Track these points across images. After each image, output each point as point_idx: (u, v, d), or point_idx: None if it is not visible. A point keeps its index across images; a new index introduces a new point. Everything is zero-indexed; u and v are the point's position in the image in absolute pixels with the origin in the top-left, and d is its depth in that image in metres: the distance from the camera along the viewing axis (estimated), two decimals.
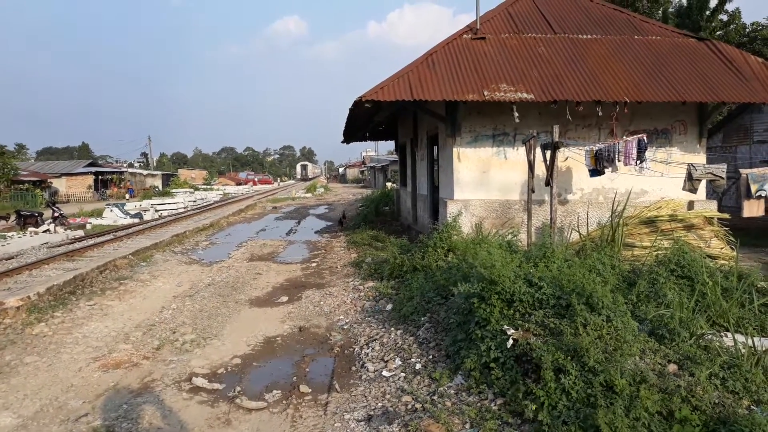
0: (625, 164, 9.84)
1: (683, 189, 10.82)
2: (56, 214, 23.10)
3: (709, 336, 5.43)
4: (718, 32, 24.44)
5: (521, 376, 4.95)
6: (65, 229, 21.54)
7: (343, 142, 21.53)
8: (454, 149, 12.00)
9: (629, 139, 9.86)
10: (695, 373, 4.56)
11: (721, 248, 10.04)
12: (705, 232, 10.49)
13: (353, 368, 6.50)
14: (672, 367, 4.76)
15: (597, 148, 10.20)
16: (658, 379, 4.44)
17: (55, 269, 12.48)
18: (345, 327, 8.13)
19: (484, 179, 12.03)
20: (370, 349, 6.97)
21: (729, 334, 5.51)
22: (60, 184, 52.55)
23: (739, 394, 4.45)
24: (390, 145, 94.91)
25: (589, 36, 13.24)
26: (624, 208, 10.26)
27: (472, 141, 12.05)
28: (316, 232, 21.63)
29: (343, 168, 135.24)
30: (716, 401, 4.25)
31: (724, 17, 25.25)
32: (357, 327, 8.01)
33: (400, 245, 12.03)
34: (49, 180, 50.62)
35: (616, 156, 9.79)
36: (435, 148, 14.88)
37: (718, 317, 6.07)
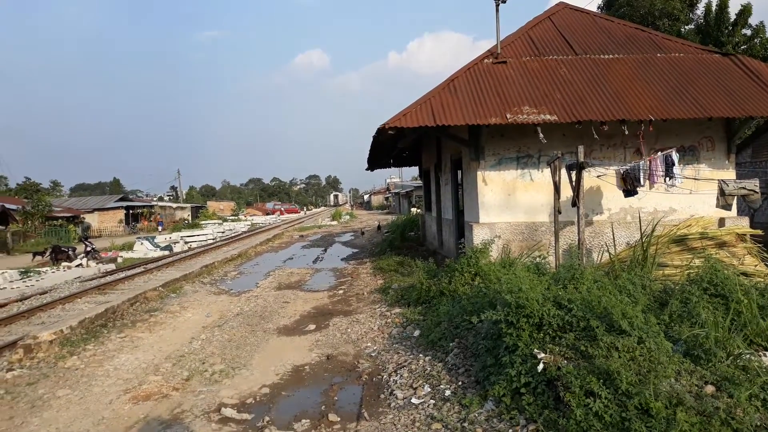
0: (652, 182, 9.71)
1: (717, 206, 10.60)
2: (88, 249, 23.59)
3: (747, 356, 5.25)
4: (742, 47, 24.18)
5: (553, 401, 4.85)
6: (97, 263, 21.96)
7: (367, 169, 21.70)
8: (479, 173, 11.98)
9: (654, 156, 9.75)
10: (734, 395, 4.40)
11: (756, 265, 9.79)
12: (738, 249, 10.25)
13: (382, 396, 6.43)
14: (709, 389, 4.61)
15: (623, 169, 10.09)
16: (695, 401, 4.31)
17: (87, 302, 12.68)
18: (373, 354, 8.08)
19: (509, 202, 11.97)
20: (399, 376, 6.90)
21: None
22: (92, 219, 53.76)
23: None
24: (414, 171, 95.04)
25: (611, 56, 13.21)
26: (654, 228, 10.10)
27: (496, 164, 12.02)
28: (342, 260, 21.67)
29: (368, 195, 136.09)
30: (758, 423, 4.11)
31: (747, 32, 24.99)
32: (385, 354, 7.95)
33: (427, 270, 11.97)
34: (81, 215, 51.78)
35: (642, 175, 9.67)
36: (459, 172, 14.88)
37: (755, 336, 5.89)
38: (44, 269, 20.57)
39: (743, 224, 11.44)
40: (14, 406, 6.61)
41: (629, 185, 10.15)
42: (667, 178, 9.73)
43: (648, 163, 9.65)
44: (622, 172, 10.10)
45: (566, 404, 4.65)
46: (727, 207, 10.53)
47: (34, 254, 25.67)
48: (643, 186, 10.03)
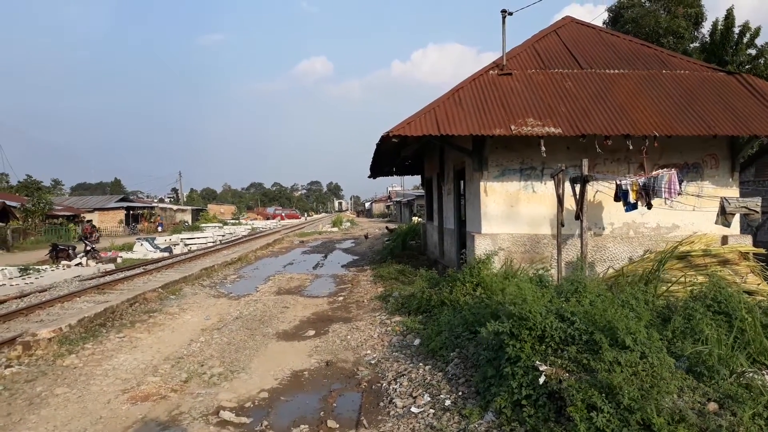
0: (669, 197, 9.68)
1: (716, 223, 10.59)
2: (88, 248, 23.56)
3: (751, 374, 5.23)
4: (747, 66, 24.24)
5: (554, 414, 4.83)
6: (97, 263, 21.92)
7: (369, 177, 21.71)
8: (481, 183, 11.98)
9: (671, 171, 9.72)
10: (737, 413, 4.38)
11: (759, 284, 9.77)
12: (740, 267, 10.22)
13: (381, 404, 6.41)
14: (712, 406, 4.59)
15: (641, 181, 10.03)
16: (697, 418, 4.29)
17: (86, 302, 12.66)
18: (372, 362, 8.05)
19: (512, 213, 11.96)
20: (398, 384, 6.87)
21: None
22: (92, 219, 53.66)
23: None
24: (416, 179, 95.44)
25: (616, 71, 13.25)
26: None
27: (499, 175, 12.03)
28: (342, 266, 21.65)
29: (369, 203, 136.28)
30: None
31: (752, 51, 25.06)
32: (384, 362, 7.92)
33: (428, 278, 11.97)
34: (82, 215, 51.75)
35: (663, 188, 9.64)
36: (462, 182, 14.88)
37: (758, 354, 5.86)
38: (44, 267, 20.54)
39: (746, 242, 11.43)
40: (12, 402, 6.59)
41: (645, 199, 10.07)
42: (672, 194, 9.73)
43: (669, 177, 9.62)
44: (640, 184, 10.04)
45: (568, 418, 4.63)
46: (726, 224, 10.50)
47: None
48: (662, 199, 9.96)
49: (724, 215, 10.38)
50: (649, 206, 10.13)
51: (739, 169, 12.30)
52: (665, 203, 10.22)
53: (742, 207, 10.32)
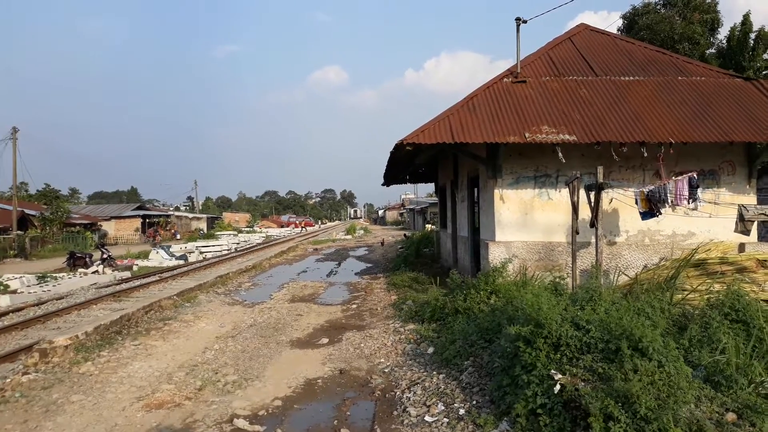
0: (677, 204, 9.60)
1: (735, 231, 10.47)
2: (105, 256, 23.80)
3: None
4: (765, 72, 24.02)
5: (570, 424, 4.78)
6: (113, 271, 22.13)
7: (383, 184, 21.73)
8: (496, 191, 11.95)
9: (679, 178, 9.65)
10: (756, 423, 4.32)
11: None
12: (758, 275, 10.07)
13: (395, 412, 6.38)
14: (731, 416, 4.53)
15: (648, 189, 9.97)
16: (716, 428, 4.23)
17: (102, 309, 12.77)
18: (386, 370, 8.03)
19: (526, 221, 11.91)
20: (412, 393, 6.84)
21: None
22: (109, 227, 54.27)
23: None
24: (429, 187, 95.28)
25: (631, 78, 13.18)
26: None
27: (513, 182, 11.99)
28: (356, 274, 21.64)
29: (382, 210, 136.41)
30: None
31: None
32: (398, 370, 7.90)
33: (445, 286, 11.93)
34: (99, 223, 52.30)
35: (668, 197, 9.57)
36: (475, 189, 14.85)
37: None
38: (61, 275, 20.76)
39: (764, 250, 11.27)
40: (29, 409, 6.66)
41: (654, 207, 10.03)
42: (690, 201, 9.65)
43: (675, 184, 9.56)
44: (646, 192, 9.99)
45: (583, 427, 4.58)
46: (745, 232, 10.39)
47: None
48: (668, 207, 9.91)
49: (742, 222, 10.28)
50: (654, 215, 10.08)
51: (757, 176, 12.17)
52: (687, 208, 10.12)
53: (761, 214, 10.21)
